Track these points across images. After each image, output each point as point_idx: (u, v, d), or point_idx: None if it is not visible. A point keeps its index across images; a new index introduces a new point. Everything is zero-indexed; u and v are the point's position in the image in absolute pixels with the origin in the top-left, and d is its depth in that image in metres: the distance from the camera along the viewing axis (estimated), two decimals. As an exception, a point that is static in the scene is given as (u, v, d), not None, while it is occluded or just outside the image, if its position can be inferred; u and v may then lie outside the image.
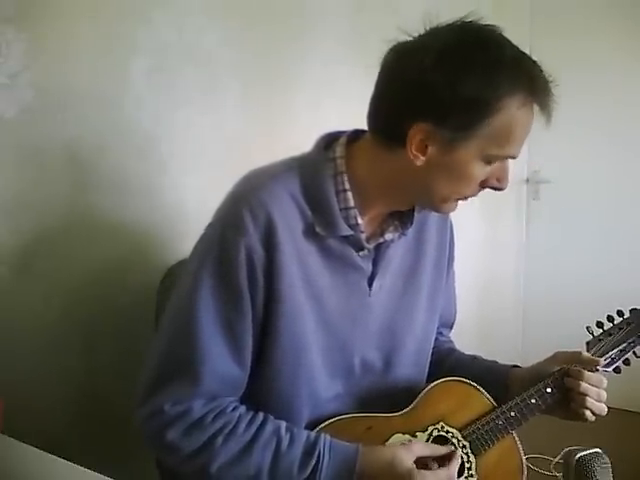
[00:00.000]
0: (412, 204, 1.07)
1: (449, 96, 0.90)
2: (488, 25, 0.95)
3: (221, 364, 0.96)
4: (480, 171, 0.96)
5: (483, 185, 1.00)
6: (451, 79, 0.90)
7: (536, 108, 0.94)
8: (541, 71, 0.94)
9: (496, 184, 1.00)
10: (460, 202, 1.04)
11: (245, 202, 0.97)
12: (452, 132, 0.92)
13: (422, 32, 0.96)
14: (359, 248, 1.03)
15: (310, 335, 1.02)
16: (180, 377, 0.96)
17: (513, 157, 0.98)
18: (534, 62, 0.94)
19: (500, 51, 0.92)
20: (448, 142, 0.93)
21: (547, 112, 0.94)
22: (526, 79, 0.92)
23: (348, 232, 1.00)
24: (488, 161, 0.96)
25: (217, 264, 0.96)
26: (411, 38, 0.96)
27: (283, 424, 0.99)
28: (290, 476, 0.95)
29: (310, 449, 0.96)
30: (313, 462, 0.96)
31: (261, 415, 1.00)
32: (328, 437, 0.99)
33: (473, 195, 1.02)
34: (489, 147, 0.94)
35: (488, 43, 0.93)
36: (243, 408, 1.00)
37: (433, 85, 0.91)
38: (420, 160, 0.95)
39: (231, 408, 0.99)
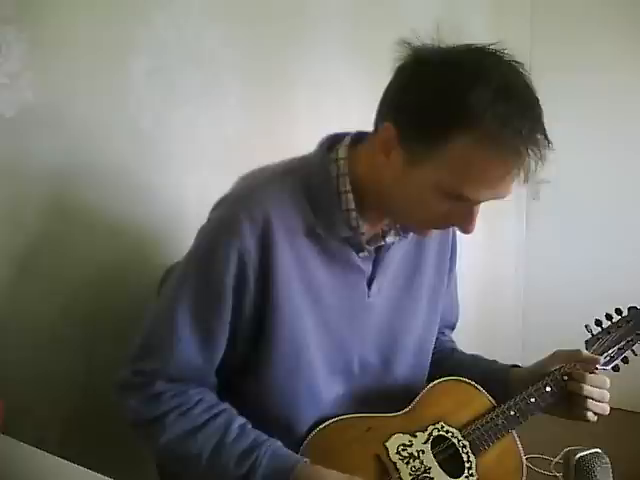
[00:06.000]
0: (395, 217, 1.04)
1: (414, 104, 0.90)
2: (507, 58, 0.90)
3: (188, 354, 0.99)
4: (437, 203, 0.92)
5: (449, 221, 0.96)
6: (422, 88, 0.89)
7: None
8: (529, 120, 0.86)
9: (459, 225, 0.96)
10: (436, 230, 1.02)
11: (243, 203, 0.97)
12: (411, 143, 0.91)
13: (439, 40, 0.93)
14: (359, 250, 1.03)
15: (309, 335, 1.02)
16: (153, 355, 1.00)
17: (472, 200, 0.92)
18: (527, 108, 0.87)
19: (486, 78, 0.86)
20: (408, 154, 0.92)
21: (521, 165, 0.87)
22: (500, 117, 0.84)
23: (348, 234, 1.01)
24: (444, 194, 0.91)
25: (203, 262, 0.98)
26: (428, 43, 0.94)
27: (241, 422, 0.99)
28: (226, 469, 0.95)
29: (250, 451, 0.96)
30: (249, 463, 0.95)
31: (223, 408, 1.00)
32: (277, 445, 0.97)
33: (439, 227, 1.00)
34: (445, 179, 0.89)
35: (478, 67, 0.88)
36: (209, 397, 1.01)
37: (407, 90, 0.92)
38: (382, 160, 0.94)
39: (195, 392, 1.00)
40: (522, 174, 0.88)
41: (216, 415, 0.99)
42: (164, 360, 0.99)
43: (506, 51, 0.91)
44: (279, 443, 0.98)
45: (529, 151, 0.86)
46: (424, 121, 0.89)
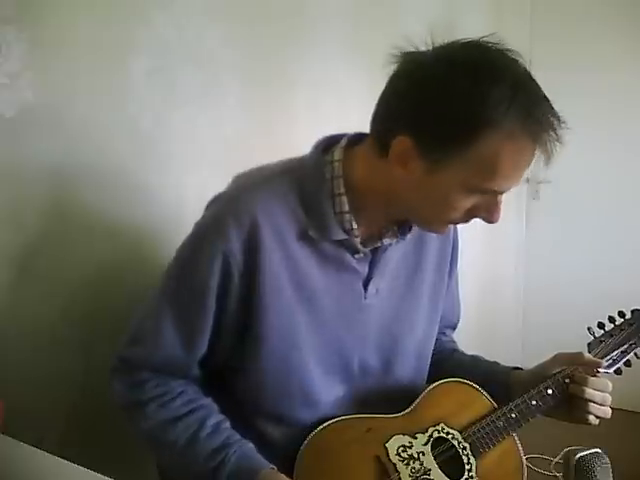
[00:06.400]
0: (404, 216, 1.05)
1: (431, 113, 0.89)
2: (503, 48, 0.91)
3: (171, 348, 1.01)
4: (463, 200, 0.94)
5: (472, 214, 0.97)
6: (437, 96, 0.89)
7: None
8: (545, 107, 0.89)
9: (485, 216, 0.97)
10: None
11: (231, 206, 0.98)
12: (432, 152, 0.90)
13: (432, 43, 0.94)
14: (354, 251, 1.03)
15: (301, 336, 1.02)
16: (138, 347, 1.04)
17: (500, 192, 0.95)
18: (540, 96, 0.90)
19: (499, 75, 0.88)
20: (429, 162, 0.91)
21: (545, 150, 0.90)
22: (521, 110, 0.87)
23: (342, 236, 1.00)
24: (472, 191, 0.93)
25: (189, 261, 1.00)
26: (421, 48, 0.94)
27: (217, 420, 1.01)
28: (196, 462, 0.98)
29: (221, 448, 0.98)
30: (219, 459, 0.97)
31: (202, 403, 1.02)
32: (248, 447, 0.99)
33: (461, 222, 1.00)
34: (472, 177, 0.91)
35: (487, 65, 0.89)
36: (191, 391, 1.03)
37: (419, 100, 0.91)
38: (399, 173, 0.94)
39: (178, 384, 1.03)
40: (546, 157, 0.91)
41: (194, 409, 1.01)
42: (148, 352, 1.02)
43: (500, 42, 0.92)
44: (250, 445, 1.00)
45: (550, 134, 0.89)
46: (447, 129, 0.89)
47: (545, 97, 0.91)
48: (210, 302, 0.99)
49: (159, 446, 1.03)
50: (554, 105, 0.91)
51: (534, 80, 0.92)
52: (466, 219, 0.99)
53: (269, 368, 1.02)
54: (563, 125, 0.90)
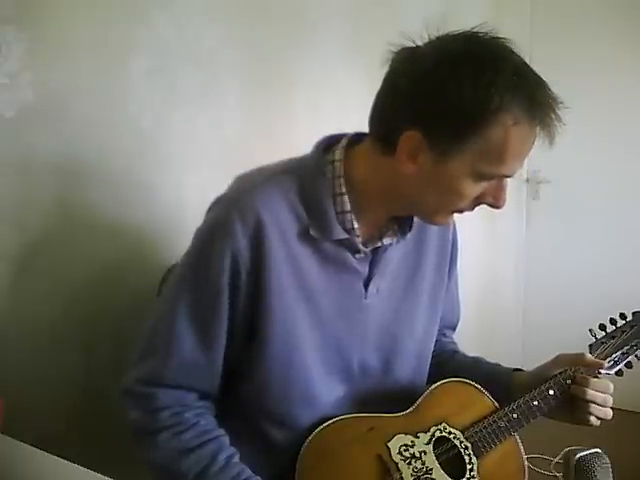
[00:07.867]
0: (407, 212, 1.06)
1: (439, 105, 0.90)
2: (498, 37, 0.93)
3: (189, 354, 0.99)
4: (472, 187, 0.95)
5: (478, 201, 0.98)
6: (443, 88, 0.89)
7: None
8: (546, 90, 0.91)
9: (492, 202, 0.98)
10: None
11: (235, 205, 0.98)
12: (442, 143, 0.91)
13: (429, 38, 0.94)
14: (355, 251, 1.03)
15: (303, 336, 1.02)
16: (154, 355, 1.01)
17: (508, 176, 0.96)
18: (539, 80, 0.92)
19: (501, 64, 0.89)
20: (438, 153, 0.92)
21: (548, 132, 0.91)
22: (525, 96, 0.89)
23: (343, 236, 1.00)
24: (480, 178, 0.94)
25: (200, 263, 0.99)
26: (418, 44, 0.95)
27: (229, 454, 1.00)
28: None
29: None
30: None
31: (215, 435, 1.01)
32: None
33: (467, 210, 1.00)
34: (480, 163, 0.92)
35: (488, 55, 0.91)
36: (204, 422, 1.01)
37: (425, 93, 0.91)
38: (409, 168, 0.94)
39: (192, 414, 1.00)
40: (549, 138, 0.93)
41: (207, 442, 0.99)
42: (164, 361, 0.99)
43: (491, 31, 0.94)
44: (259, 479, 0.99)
45: (552, 116, 0.91)
46: (456, 119, 0.90)
47: (542, 80, 0.93)
48: (224, 301, 0.98)
49: (168, 477, 1.00)
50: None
51: (529, 65, 0.94)
52: (472, 206, 1.00)
53: (273, 370, 1.02)
54: (561, 105, 0.92)
